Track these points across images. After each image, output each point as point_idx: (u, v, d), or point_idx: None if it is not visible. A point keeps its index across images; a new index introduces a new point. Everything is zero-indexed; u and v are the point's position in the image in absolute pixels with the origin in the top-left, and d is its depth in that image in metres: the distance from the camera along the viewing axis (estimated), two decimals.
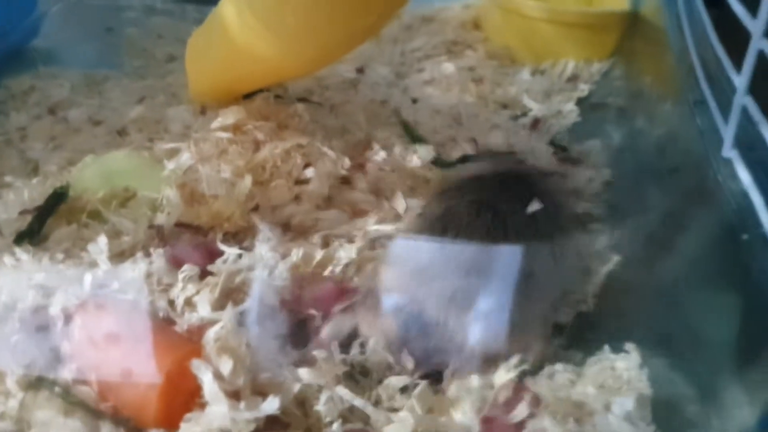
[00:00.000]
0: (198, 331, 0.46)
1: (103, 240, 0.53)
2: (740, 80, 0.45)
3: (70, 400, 0.44)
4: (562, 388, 0.46)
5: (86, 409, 0.43)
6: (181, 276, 0.50)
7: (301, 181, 0.63)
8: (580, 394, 0.45)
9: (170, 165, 0.61)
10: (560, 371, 0.47)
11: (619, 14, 0.93)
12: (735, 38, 0.48)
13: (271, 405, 0.42)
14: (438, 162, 0.67)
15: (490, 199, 0.52)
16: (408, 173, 0.65)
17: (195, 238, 0.56)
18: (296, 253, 0.55)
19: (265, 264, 0.52)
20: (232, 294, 0.50)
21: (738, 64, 0.47)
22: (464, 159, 0.67)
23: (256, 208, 0.60)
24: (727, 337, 0.43)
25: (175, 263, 0.52)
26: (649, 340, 0.50)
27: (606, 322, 0.52)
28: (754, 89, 0.46)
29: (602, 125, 0.80)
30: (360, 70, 0.87)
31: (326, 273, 0.55)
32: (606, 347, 0.48)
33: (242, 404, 0.42)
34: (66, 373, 0.45)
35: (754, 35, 0.43)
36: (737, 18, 0.47)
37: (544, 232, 0.51)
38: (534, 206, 0.51)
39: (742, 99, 0.44)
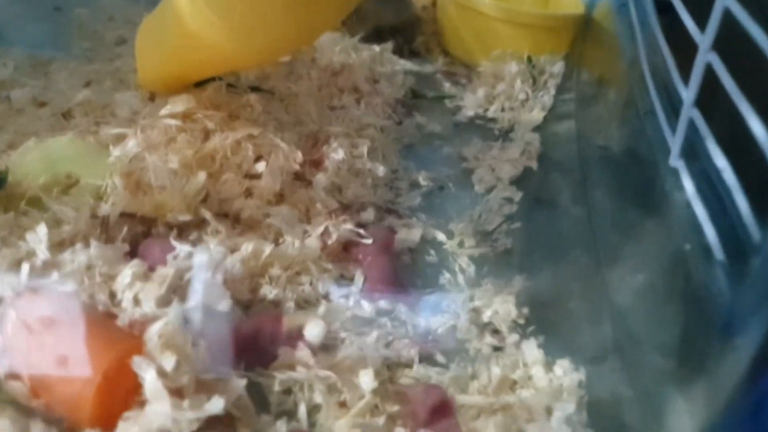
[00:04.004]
0: (140, 327, 0.45)
1: (42, 229, 0.51)
2: (688, 93, 0.45)
3: (1, 397, 0.42)
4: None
5: (17, 406, 0.41)
6: (130, 272, 0.49)
7: (252, 176, 0.62)
8: (521, 400, 0.47)
9: (116, 152, 0.59)
10: (499, 376, 0.48)
11: (574, 17, 0.95)
12: (686, 47, 0.49)
13: (216, 405, 0.41)
14: None
15: None
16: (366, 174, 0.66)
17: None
18: (246, 248, 0.55)
19: (213, 258, 0.51)
20: (178, 291, 0.49)
21: (687, 74, 0.47)
22: None
23: (204, 200, 0.59)
24: (666, 345, 0.44)
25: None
26: (587, 344, 0.53)
27: None
28: (701, 99, 0.46)
29: (551, 125, 0.82)
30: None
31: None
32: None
33: (185, 403, 0.40)
34: None
35: (701, 49, 0.44)
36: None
37: None
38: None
39: (689, 111, 0.44)
